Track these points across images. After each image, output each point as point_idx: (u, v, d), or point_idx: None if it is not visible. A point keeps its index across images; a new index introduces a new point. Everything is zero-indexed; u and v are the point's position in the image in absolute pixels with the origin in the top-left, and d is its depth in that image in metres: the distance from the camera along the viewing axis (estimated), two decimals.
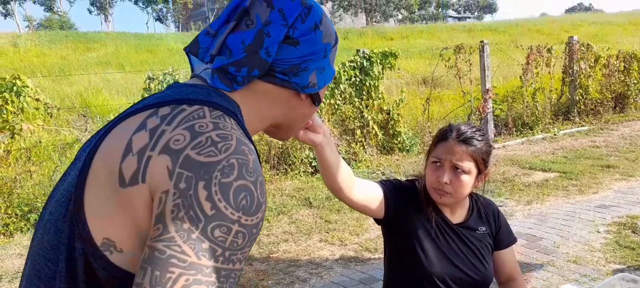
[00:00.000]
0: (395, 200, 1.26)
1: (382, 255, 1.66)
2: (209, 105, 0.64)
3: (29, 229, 4.13)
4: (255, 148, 0.66)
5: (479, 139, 1.23)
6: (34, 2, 45.63)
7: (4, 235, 4.03)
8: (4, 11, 43.16)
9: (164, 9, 51.87)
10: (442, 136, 1.25)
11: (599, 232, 3.49)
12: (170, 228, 0.54)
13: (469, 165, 1.21)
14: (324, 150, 1.07)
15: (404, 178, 1.39)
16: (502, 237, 1.36)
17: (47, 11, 48.27)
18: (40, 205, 4.22)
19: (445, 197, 1.23)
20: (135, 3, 49.46)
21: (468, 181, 1.22)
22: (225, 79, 0.69)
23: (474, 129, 1.25)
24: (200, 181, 0.55)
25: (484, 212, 1.35)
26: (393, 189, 1.27)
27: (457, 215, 1.31)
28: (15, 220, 4.12)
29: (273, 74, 0.71)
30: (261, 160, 5.52)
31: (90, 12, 49.39)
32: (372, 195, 1.23)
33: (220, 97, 0.68)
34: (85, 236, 0.58)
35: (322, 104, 5.96)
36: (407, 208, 1.27)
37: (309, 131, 1.03)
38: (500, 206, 4.16)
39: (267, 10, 0.70)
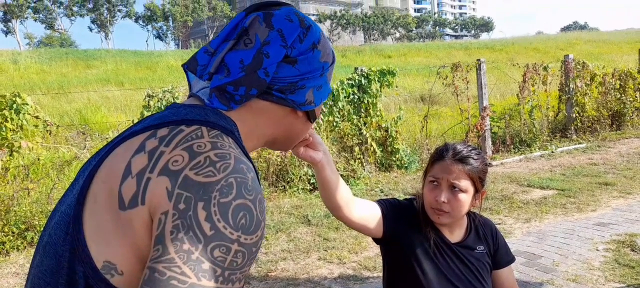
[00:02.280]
0: (393, 219, 1.26)
1: (381, 274, 1.66)
2: (207, 124, 0.65)
3: (25, 247, 4.09)
4: (254, 166, 0.66)
5: (475, 157, 1.25)
6: (35, 20, 46.07)
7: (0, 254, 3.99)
8: (5, 29, 43.54)
9: (164, 27, 52.38)
10: (438, 156, 1.27)
11: (598, 250, 3.48)
12: (170, 249, 0.54)
13: (466, 183, 1.22)
14: (323, 169, 1.07)
15: (402, 196, 1.40)
16: (500, 256, 1.36)
17: (48, 29, 48.72)
18: (37, 223, 4.19)
19: (443, 217, 1.24)
20: (136, 21, 49.97)
21: (466, 200, 1.23)
22: (223, 98, 0.70)
23: (469, 148, 1.27)
24: (200, 202, 0.56)
25: (482, 231, 1.35)
26: (391, 208, 1.28)
27: (456, 235, 1.31)
28: (11, 238, 4.09)
29: (270, 91, 0.71)
30: (259, 177, 5.49)
31: (90, 30, 49.88)
32: (370, 214, 1.23)
33: (217, 116, 0.68)
34: (86, 259, 0.58)
35: (320, 121, 6.00)
36: (405, 227, 1.27)
37: (309, 149, 1.03)
38: (499, 224, 4.15)
39: (266, 30, 0.70)
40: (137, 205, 0.57)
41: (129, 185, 0.58)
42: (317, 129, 5.87)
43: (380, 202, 1.28)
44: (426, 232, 1.26)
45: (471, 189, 1.23)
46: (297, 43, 0.72)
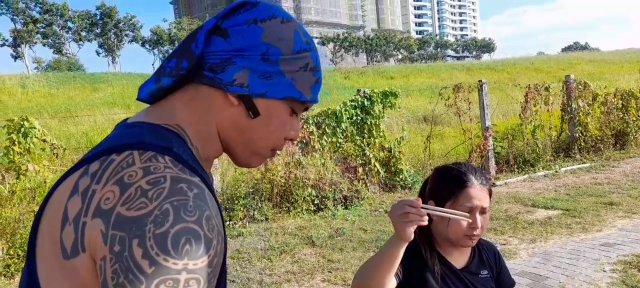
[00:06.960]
0: (403, 266, 1.25)
1: None
2: (139, 147, 0.59)
3: None
4: (205, 180, 0.61)
5: (485, 174, 1.28)
6: (44, 45, 46.94)
7: (4, 276, 4.00)
8: (14, 53, 44.36)
9: (170, 51, 53.06)
10: (461, 183, 1.22)
11: (604, 271, 3.45)
12: None
13: (489, 202, 1.24)
14: (405, 245, 1.05)
15: None
16: (504, 279, 1.35)
17: (56, 53, 49.54)
18: None
19: (475, 238, 1.24)
20: (142, 45, 50.82)
21: (488, 217, 1.26)
22: (157, 76, 0.67)
23: (476, 168, 1.29)
24: (134, 239, 0.52)
25: (485, 254, 1.35)
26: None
27: (461, 260, 1.30)
28: (17, 261, 4.10)
29: (202, 72, 0.66)
30: (263, 198, 5.50)
31: (98, 54, 50.73)
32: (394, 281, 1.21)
33: (153, 133, 0.63)
34: None
35: (324, 142, 6.05)
36: (410, 264, 1.27)
37: (413, 223, 1.00)
38: (504, 244, 4.13)
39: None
40: (78, 254, 0.55)
41: (68, 232, 0.56)
42: (321, 149, 5.92)
43: None
44: (429, 262, 1.26)
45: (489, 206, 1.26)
46: (233, 15, 0.66)
